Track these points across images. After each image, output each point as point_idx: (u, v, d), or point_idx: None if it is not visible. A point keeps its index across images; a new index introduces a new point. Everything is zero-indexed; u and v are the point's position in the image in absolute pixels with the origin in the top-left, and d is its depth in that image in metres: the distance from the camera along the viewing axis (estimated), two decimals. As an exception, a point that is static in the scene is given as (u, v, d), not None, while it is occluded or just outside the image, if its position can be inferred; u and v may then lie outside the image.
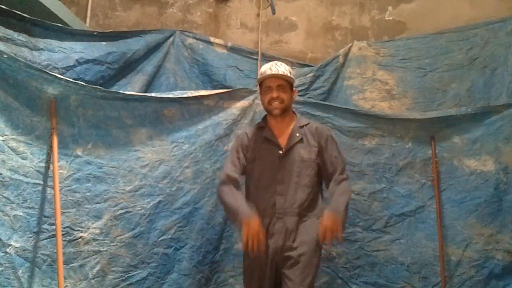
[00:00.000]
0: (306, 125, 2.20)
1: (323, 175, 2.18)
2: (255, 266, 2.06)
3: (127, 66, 2.80)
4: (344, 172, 2.17)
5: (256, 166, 2.15)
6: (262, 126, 2.22)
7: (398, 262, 2.51)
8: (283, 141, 2.15)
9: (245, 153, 2.18)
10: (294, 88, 2.22)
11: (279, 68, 2.15)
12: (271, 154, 2.13)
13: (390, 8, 3.32)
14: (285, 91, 2.14)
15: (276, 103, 2.12)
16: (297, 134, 2.15)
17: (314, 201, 2.12)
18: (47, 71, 2.14)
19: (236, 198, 2.04)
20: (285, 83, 2.14)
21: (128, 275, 2.28)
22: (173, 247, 2.41)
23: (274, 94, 2.11)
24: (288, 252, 2.01)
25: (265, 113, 2.24)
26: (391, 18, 3.31)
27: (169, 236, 2.40)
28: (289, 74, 2.16)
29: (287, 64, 3.07)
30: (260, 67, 2.95)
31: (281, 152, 2.11)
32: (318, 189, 2.18)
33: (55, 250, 2.04)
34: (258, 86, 2.27)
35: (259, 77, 2.19)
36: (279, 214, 2.05)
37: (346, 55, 3.03)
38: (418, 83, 2.90)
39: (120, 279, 2.25)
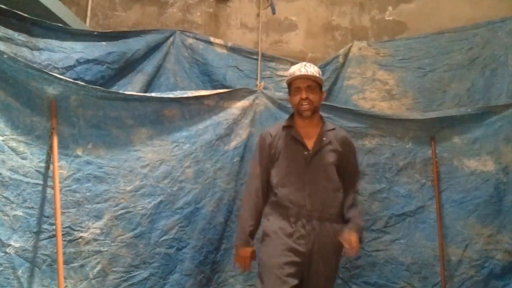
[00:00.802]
0: (333, 129, 2.21)
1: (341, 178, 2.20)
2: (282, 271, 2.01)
3: (127, 66, 2.79)
4: (358, 185, 2.29)
5: (282, 163, 2.14)
6: (289, 125, 2.20)
7: (398, 262, 2.51)
8: (310, 143, 2.14)
9: (270, 152, 2.17)
10: (323, 90, 2.22)
11: (308, 69, 2.13)
12: (298, 154, 2.12)
13: (390, 8, 3.32)
14: (315, 92, 2.13)
15: (305, 105, 2.11)
16: (324, 138, 2.15)
17: (340, 203, 2.13)
18: (47, 71, 2.14)
19: (246, 218, 2.13)
20: (314, 84, 2.13)
21: (130, 275, 2.28)
22: (175, 247, 2.41)
23: (304, 95, 2.10)
24: (313, 263, 2.01)
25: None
26: (391, 18, 3.31)
27: (171, 236, 2.40)
28: (318, 75, 2.15)
29: (287, 64, 3.08)
30: (260, 67, 2.95)
31: (306, 153, 2.11)
32: (341, 193, 2.17)
33: (55, 250, 2.03)
34: (287, 87, 2.25)
35: (288, 77, 2.19)
36: (309, 217, 2.03)
37: (346, 55, 3.03)
38: (418, 83, 2.90)
39: (121, 279, 2.25)
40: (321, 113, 2.60)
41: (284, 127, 2.21)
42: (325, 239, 2.04)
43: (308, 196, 2.05)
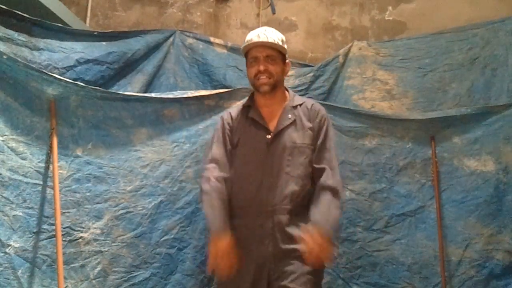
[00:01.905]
0: (300, 104, 1.87)
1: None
2: (237, 282, 1.69)
3: (127, 66, 2.79)
4: (335, 176, 1.78)
5: (240, 153, 1.82)
6: (248, 105, 1.87)
7: (398, 262, 2.51)
8: (272, 123, 1.81)
9: (230, 136, 1.84)
10: (287, 61, 1.87)
11: (268, 34, 1.78)
12: (258, 139, 1.80)
13: (390, 8, 3.32)
14: (275, 63, 1.79)
15: (263, 78, 1.77)
16: (289, 116, 1.82)
17: (309, 195, 1.80)
18: (46, 71, 2.13)
19: (213, 204, 1.73)
20: (276, 53, 1.79)
21: (131, 275, 2.27)
22: (176, 247, 2.40)
23: (261, 67, 1.76)
24: (281, 263, 1.69)
25: None
26: (391, 18, 3.31)
27: (172, 236, 2.39)
28: (280, 43, 1.80)
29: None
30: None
31: (269, 136, 1.78)
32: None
33: (55, 250, 2.03)
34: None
35: (243, 45, 1.84)
36: (267, 213, 1.72)
37: (346, 55, 3.02)
38: (418, 83, 2.90)
39: (122, 279, 2.24)
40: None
41: (243, 107, 1.88)
42: (292, 236, 1.70)
43: (268, 189, 1.73)
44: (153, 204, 2.36)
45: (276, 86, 1.82)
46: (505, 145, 2.45)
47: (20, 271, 1.99)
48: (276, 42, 1.78)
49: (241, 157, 1.83)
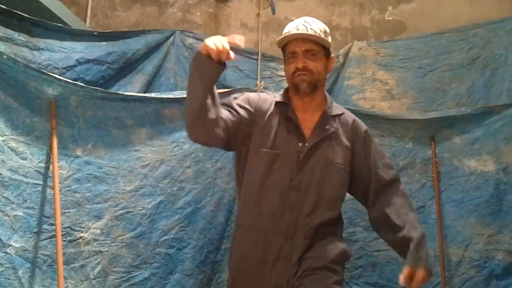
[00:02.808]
0: (339, 115, 1.60)
1: (354, 190, 1.64)
2: None
3: (127, 66, 2.79)
4: (401, 186, 1.62)
5: (265, 153, 1.53)
6: (284, 102, 1.58)
7: (399, 262, 2.50)
8: (307, 131, 1.55)
9: (251, 117, 1.54)
10: (331, 56, 1.60)
11: (308, 26, 1.51)
12: (290, 144, 1.53)
13: (390, 8, 3.32)
14: (316, 59, 1.52)
15: (303, 75, 1.50)
16: (327, 127, 1.55)
17: (335, 222, 1.58)
18: (46, 72, 2.14)
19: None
20: (317, 47, 1.52)
21: (130, 275, 2.27)
22: (175, 247, 2.40)
23: (300, 64, 1.50)
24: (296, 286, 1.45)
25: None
26: (391, 18, 3.31)
27: (171, 236, 2.39)
28: (323, 35, 1.52)
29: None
30: (260, 67, 2.95)
31: (301, 144, 1.52)
32: (341, 206, 1.62)
33: (56, 251, 2.03)
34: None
35: (280, 38, 1.57)
36: (288, 234, 1.49)
37: (346, 55, 3.03)
38: (418, 83, 2.90)
39: (122, 279, 2.25)
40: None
41: (277, 102, 1.59)
42: (313, 262, 1.47)
43: (292, 205, 1.50)
44: (152, 204, 2.36)
45: (317, 86, 1.55)
46: (505, 145, 2.45)
47: (21, 271, 2.00)
48: (317, 34, 1.51)
49: (267, 162, 1.53)
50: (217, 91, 2.70)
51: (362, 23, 3.35)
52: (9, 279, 1.96)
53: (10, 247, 1.98)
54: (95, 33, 2.75)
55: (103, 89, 2.35)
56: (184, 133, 2.50)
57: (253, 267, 1.51)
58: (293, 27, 1.55)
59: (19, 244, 2.00)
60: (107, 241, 2.23)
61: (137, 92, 2.71)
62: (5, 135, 2.01)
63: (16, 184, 2.03)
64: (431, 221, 2.50)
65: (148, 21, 3.45)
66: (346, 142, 1.58)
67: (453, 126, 2.54)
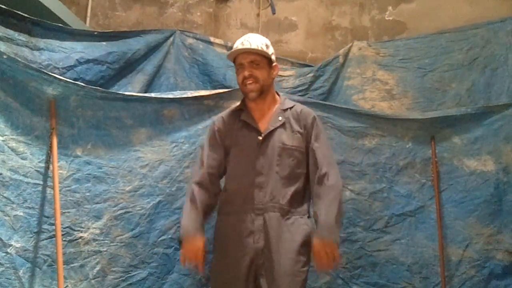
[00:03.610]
0: (290, 108, 1.95)
1: (308, 168, 1.92)
2: (232, 273, 1.80)
3: (128, 66, 2.79)
4: (331, 164, 1.87)
5: (233, 154, 1.92)
6: (240, 109, 1.95)
7: (398, 262, 2.51)
8: (263, 125, 1.90)
9: (222, 140, 1.93)
10: (274, 64, 1.93)
11: (251, 41, 1.84)
12: (250, 140, 1.89)
13: (390, 8, 3.32)
14: (260, 67, 1.85)
15: (250, 84, 1.84)
16: (279, 118, 1.90)
17: (298, 196, 1.89)
18: (46, 71, 2.14)
19: (188, 210, 1.85)
20: (260, 58, 1.85)
21: (128, 275, 2.27)
22: (173, 247, 2.40)
23: (246, 73, 1.83)
24: (270, 261, 1.78)
25: None
26: (391, 18, 3.31)
27: (169, 236, 2.39)
28: (264, 48, 1.85)
29: (287, 64, 3.06)
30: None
31: (260, 137, 1.86)
32: (305, 182, 1.93)
33: (56, 250, 2.03)
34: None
35: (229, 52, 1.91)
36: (258, 210, 1.82)
37: (346, 55, 3.02)
38: (418, 83, 2.90)
39: (121, 279, 2.25)
40: (321, 112, 2.63)
41: (235, 110, 1.97)
42: (283, 234, 1.79)
43: (258, 187, 1.83)
44: (151, 204, 2.36)
45: (264, 91, 1.89)
46: (505, 145, 2.45)
47: (21, 271, 2.00)
48: (259, 48, 1.84)
49: (234, 158, 1.92)
50: (217, 91, 2.71)
51: (362, 23, 3.35)
52: (9, 279, 1.96)
53: (10, 247, 1.98)
54: (95, 33, 2.75)
55: (103, 89, 2.35)
56: (183, 133, 2.51)
57: (235, 241, 1.83)
58: (239, 43, 1.87)
59: (19, 244, 2.00)
60: (106, 241, 2.23)
61: (137, 92, 2.71)
62: (5, 135, 2.01)
63: (16, 184, 2.03)
64: (431, 221, 2.50)
65: (148, 21, 3.46)
66: (297, 127, 1.91)
67: (453, 126, 2.54)
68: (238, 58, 1.87)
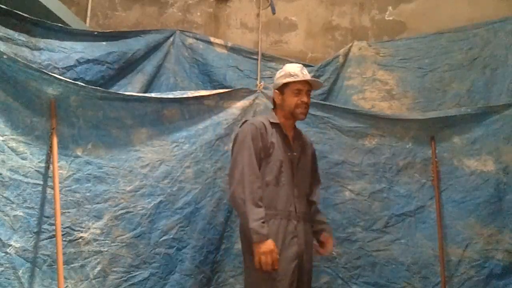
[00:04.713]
0: (302, 133, 2.26)
1: None
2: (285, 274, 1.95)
3: (127, 66, 2.79)
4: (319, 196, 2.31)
5: (275, 161, 2.08)
6: (277, 123, 2.15)
7: (398, 262, 2.51)
8: (294, 144, 2.16)
9: (263, 143, 2.07)
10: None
11: (307, 74, 2.16)
12: (287, 154, 2.11)
13: (390, 8, 3.32)
14: (309, 97, 2.16)
15: (305, 109, 2.12)
16: (300, 140, 2.20)
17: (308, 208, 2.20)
18: (46, 71, 2.14)
19: (256, 210, 1.92)
20: (310, 88, 2.17)
21: (130, 275, 2.27)
22: (175, 247, 2.40)
23: (305, 99, 2.11)
24: (305, 263, 2.04)
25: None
26: (391, 18, 3.31)
27: (171, 236, 2.40)
28: (320, 83, 2.26)
29: (287, 64, 3.06)
30: (260, 67, 2.95)
31: (290, 154, 2.11)
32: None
33: (56, 250, 2.03)
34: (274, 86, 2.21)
35: (288, 78, 2.12)
36: (298, 218, 2.06)
37: (346, 55, 3.02)
38: (418, 83, 2.90)
39: (122, 279, 2.25)
40: (321, 113, 2.65)
41: (272, 123, 2.15)
42: (310, 239, 2.12)
43: (297, 198, 2.07)
44: (152, 204, 2.36)
45: None
46: (505, 145, 2.45)
47: (21, 271, 2.00)
48: (317, 82, 2.22)
49: (278, 167, 2.07)
50: (217, 91, 2.73)
51: (362, 23, 3.35)
52: (9, 279, 1.96)
53: (10, 247, 1.97)
54: (95, 33, 2.76)
55: (103, 89, 2.35)
56: (184, 133, 2.51)
57: (280, 242, 1.99)
58: (298, 71, 2.12)
59: (19, 244, 2.00)
60: (107, 241, 2.23)
61: (137, 92, 2.71)
62: (5, 135, 2.01)
63: (16, 184, 2.03)
64: (431, 221, 2.50)
65: (148, 21, 3.45)
66: (309, 152, 2.23)
67: (453, 126, 2.54)
68: (298, 84, 2.11)
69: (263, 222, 1.89)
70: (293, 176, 2.09)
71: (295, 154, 2.13)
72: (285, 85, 2.14)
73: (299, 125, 2.26)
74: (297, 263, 1.99)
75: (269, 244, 1.88)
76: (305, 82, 2.13)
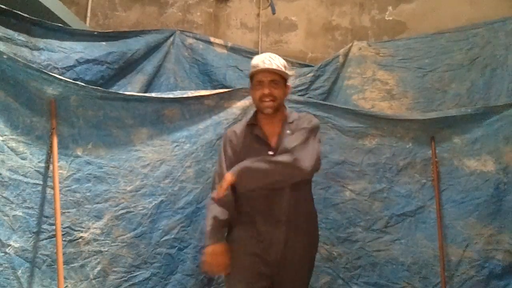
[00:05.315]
0: (297, 119, 2.01)
1: None
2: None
3: (127, 66, 2.80)
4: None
5: None
6: (252, 124, 2.00)
7: (398, 262, 2.51)
8: (273, 140, 1.95)
9: (235, 152, 1.96)
10: (288, 83, 2.02)
11: (272, 61, 1.92)
12: (262, 154, 1.91)
13: (390, 8, 3.32)
14: (278, 87, 1.92)
15: (268, 101, 1.91)
16: (288, 131, 1.95)
17: (306, 203, 1.97)
18: (46, 71, 2.14)
19: (212, 216, 1.85)
20: (279, 78, 1.93)
21: (131, 275, 2.27)
22: (176, 247, 2.40)
23: (266, 91, 1.90)
24: (287, 270, 1.86)
25: None
26: (391, 18, 3.31)
27: (172, 236, 2.39)
28: (283, 69, 1.95)
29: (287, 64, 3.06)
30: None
31: (271, 152, 1.90)
32: (309, 189, 2.01)
33: (55, 250, 2.03)
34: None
35: (251, 69, 1.97)
36: (276, 223, 1.86)
37: (346, 55, 3.03)
38: (418, 83, 2.90)
39: (122, 279, 2.25)
40: (321, 112, 2.63)
41: (248, 125, 2.01)
42: (296, 244, 1.87)
43: (271, 200, 1.87)
44: (153, 204, 2.36)
45: (278, 108, 1.97)
46: (505, 145, 2.45)
47: (20, 271, 1.99)
48: (280, 68, 1.93)
49: None
50: (217, 91, 2.71)
51: (362, 23, 3.35)
52: (8, 279, 1.95)
53: (9, 247, 1.97)
54: (95, 33, 2.76)
55: (103, 89, 2.35)
56: (184, 133, 2.51)
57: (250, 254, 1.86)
58: (260, 61, 1.93)
59: (18, 244, 2.00)
60: (107, 241, 2.23)
61: (137, 92, 2.72)
62: (5, 135, 2.01)
63: (16, 184, 2.02)
64: (431, 221, 2.50)
65: (148, 21, 3.46)
66: (302, 135, 1.93)
67: (453, 126, 2.54)
68: (258, 75, 1.94)
69: (215, 229, 1.83)
70: None
71: (272, 151, 1.91)
72: (251, 78, 1.99)
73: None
74: (258, 261, 1.84)
75: (218, 247, 1.81)
76: (268, 72, 1.90)
